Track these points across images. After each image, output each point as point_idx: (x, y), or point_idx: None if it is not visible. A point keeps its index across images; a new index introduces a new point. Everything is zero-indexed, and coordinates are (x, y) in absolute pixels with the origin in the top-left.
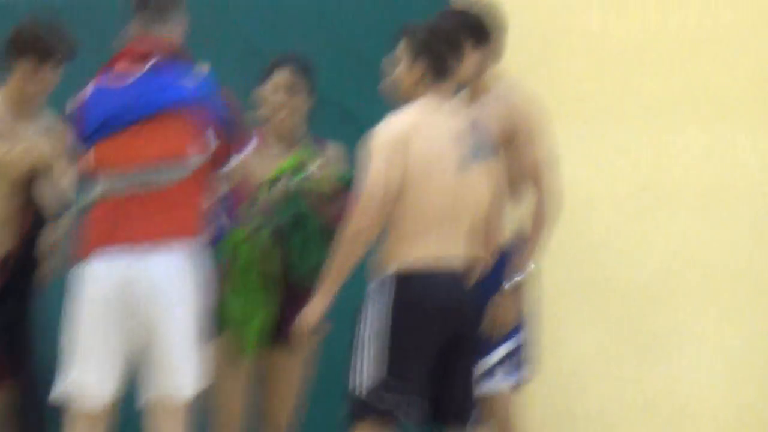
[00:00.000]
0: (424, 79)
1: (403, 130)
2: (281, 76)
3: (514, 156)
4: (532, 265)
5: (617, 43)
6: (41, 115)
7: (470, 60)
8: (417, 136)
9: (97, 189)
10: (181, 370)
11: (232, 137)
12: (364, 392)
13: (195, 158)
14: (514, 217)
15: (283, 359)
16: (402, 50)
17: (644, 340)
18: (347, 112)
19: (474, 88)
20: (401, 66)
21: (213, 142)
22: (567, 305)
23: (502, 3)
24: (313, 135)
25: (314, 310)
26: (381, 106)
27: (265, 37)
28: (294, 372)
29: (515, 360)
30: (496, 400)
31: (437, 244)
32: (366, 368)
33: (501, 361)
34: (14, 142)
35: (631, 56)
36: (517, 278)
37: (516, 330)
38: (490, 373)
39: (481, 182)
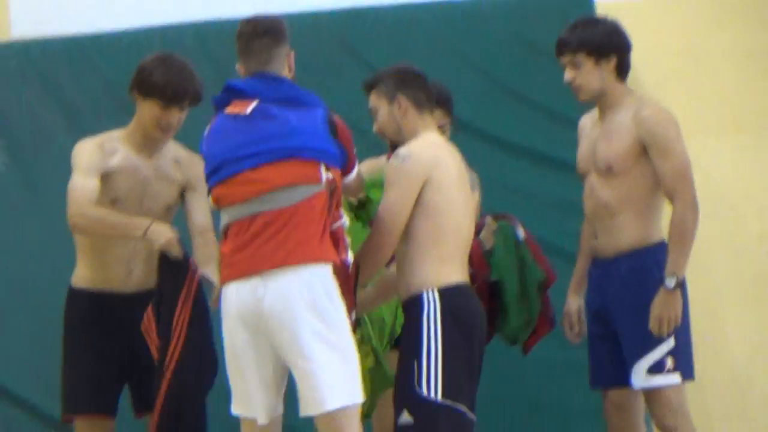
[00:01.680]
0: (407, 114)
1: (423, 161)
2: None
3: (653, 166)
4: (683, 269)
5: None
6: (167, 147)
7: (593, 76)
8: (439, 165)
9: (224, 219)
10: (320, 385)
11: (343, 166)
12: (438, 397)
13: (309, 187)
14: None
15: None
16: (375, 99)
17: None
18: (484, 134)
19: (603, 103)
20: (382, 112)
21: (325, 175)
22: (732, 301)
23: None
24: None
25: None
26: (511, 126)
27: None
28: None
29: (681, 353)
30: (665, 396)
31: (463, 265)
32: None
33: (666, 356)
34: (139, 181)
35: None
36: (674, 279)
37: (678, 327)
38: (659, 367)
39: (475, 208)
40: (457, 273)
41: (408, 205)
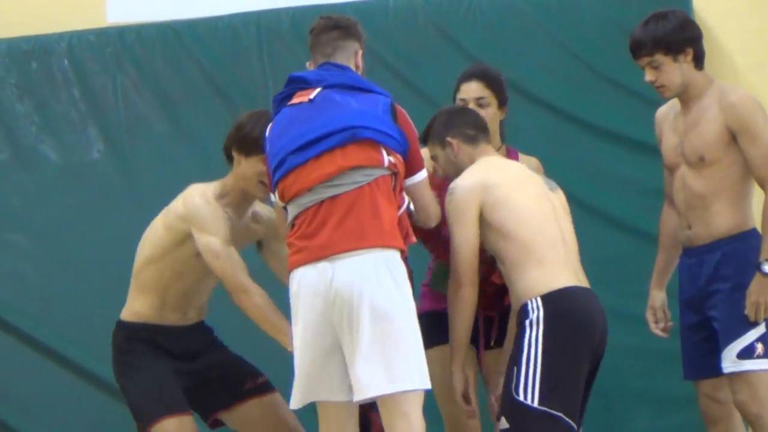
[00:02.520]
0: (460, 152)
1: (467, 190)
2: (467, 90)
3: (742, 152)
4: None
5: None
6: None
7: (674, 74)
8: (488, 185)
9: (291, 212)
10: (396, 363)
11: (404, 154)
12: (536, 404)
13: (372, 170)
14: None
15: None
16: (432, 149)
17: None
18: (578, 120)
19: (686, 95)
20: (440, 158)
21: (387, 158)
22: None
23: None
24: (507, 147)
25: (457, 376)
26: (606, 112)
27: (486, 51)
28: None
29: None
30: (753, 379)
31: (566, 266)
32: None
33: (757, 342)
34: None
35: None
36: (766, 266)
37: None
38: (749, 351)
39: (565, 211)
40: (559, 278)
41: (472, 232)
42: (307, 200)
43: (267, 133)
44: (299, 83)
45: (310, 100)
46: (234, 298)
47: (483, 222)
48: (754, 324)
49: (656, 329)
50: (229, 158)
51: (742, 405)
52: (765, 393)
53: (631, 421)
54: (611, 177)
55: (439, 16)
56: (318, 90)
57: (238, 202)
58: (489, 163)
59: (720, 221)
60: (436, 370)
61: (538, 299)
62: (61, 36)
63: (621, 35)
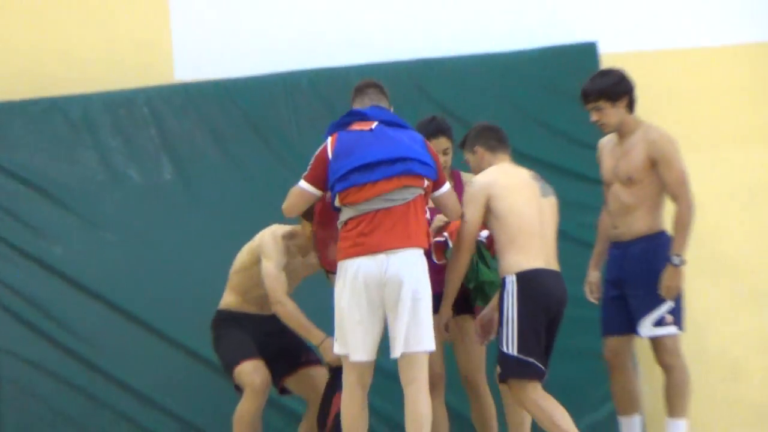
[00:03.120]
0: (484, 158)
1: (481, 185)
2: (436, 143)
3: (660, 176)
4: (684, 252)
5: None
6: None
7: (612, 115)
8: (496, 184)
9: (347, 213)
10: (422, 331)
11: (436, 177)
12: (514, 353)
13: (416, 189)
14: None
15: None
16: (466, 154)
17: (752, 296)
18: (522, 155)
19: (620, 132)
20: (471, 162)
21: (426, 183)
22: (697, 275)
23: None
24: (452, 170)
25: (445, 312)
26: (542, 148)
27: (453, 102)
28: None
29: (678, 311)
30: (667, 342)
31: (538, 253)
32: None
33: (667, 314)
34: (297, 271)
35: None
36: (679, 258)
37: (677, 295)
38: (661, 321)
39: (552, 211)
40: (531, 261)
41: (477, 215)
42: (367, 207)
43: (328, 148)
44: (359, 116)
45: (371, 130)
46: (273, 308)
47: (488, 209)
48: (665, 301)
49: (591, 298)
50: (304, 217)
51: (660, 358)
52: (674, 349)
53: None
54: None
55: (418, 76)
56: (375, 123)
57: (303, 244)
58: (502, 168)
59: (640, 224)
60: None
61: (514, 276)
62: (142, 90)
63: (549, 89)
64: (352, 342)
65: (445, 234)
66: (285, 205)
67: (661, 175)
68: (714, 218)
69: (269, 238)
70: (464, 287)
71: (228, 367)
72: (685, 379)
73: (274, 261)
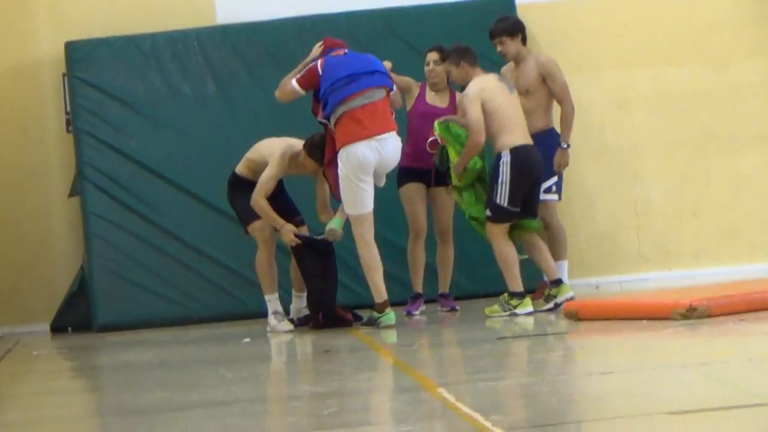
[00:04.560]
0: (468, 70)
1: (476, 92)
2: (430, 56)
3: (548, 87)
4: (569, 138)
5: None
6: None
7: (511, 47)
8: (485, 89)
9: (342, 108)
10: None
11: (392, 85)
12: (505, 204)
13: (383, 91)
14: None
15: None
16: (448, 66)
17: (622, 179)
18: None
19: (517, 59)
20: (453, 73)
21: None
22: (583, 160)
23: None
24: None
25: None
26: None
27: (416, 40)
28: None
29: (560, 185)
30: (550, 205)
31: (520, 133)
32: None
33: (553, 185)
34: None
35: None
36: (566, 143)
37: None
38: (549, 190)
39: (516, 102)
40: (517, 139)
41: (480, 113)
42: (357, 103)
43: (320, 67)
44: (334, 49)
45: (345, 54)
46: (252, 197)
47: (482, 107)
48: (553, 176)
49: None
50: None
51: (543, 218)
52: (554, 210)
53: None
54: None
55: (389, 19)
56: (346, 50)
57: (301, 164)
58: (483, 78)
59: (537, 123)
60: (405, 197)
61: (508, 151)
62: (192, 30)
63: (483, 29)
64: (361, 200)
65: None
66: (277, 94)
67: (549, 87)
68: (598, 119)
69: (279, 156)
70: (437, 169)
71: (243, 222)
72: (563, 233)
73: (273, 172)
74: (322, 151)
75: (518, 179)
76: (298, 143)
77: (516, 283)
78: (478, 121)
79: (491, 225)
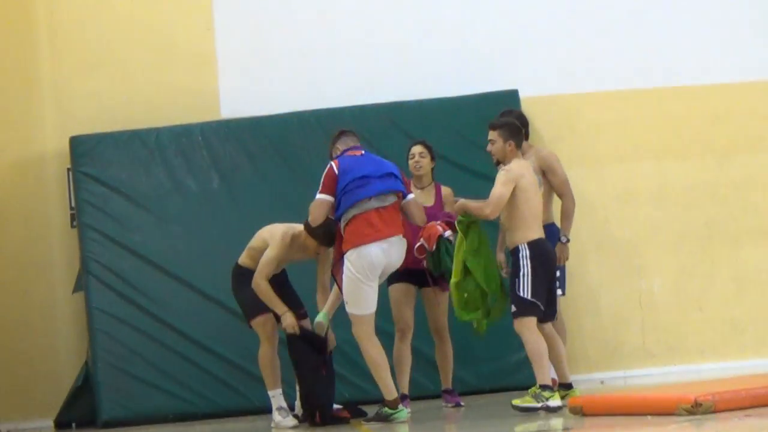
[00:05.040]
0: (514, 151)
1: (515, 175)
2: (414, 149)
3: (549, 181)
4: (569, 233)
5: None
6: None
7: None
8: (522, 176)
9: (355, 211)
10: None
11: (405, 191)
12: (529, 296)
13: (395, 197)
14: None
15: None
16: (496, 136)
17: (626, 273)
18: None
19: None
20: (497, 145)
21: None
22: (586, 254)
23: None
24: (435, 183)
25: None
26: (480, 161)
27: (419, 134)
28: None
29: (563, 280)
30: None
31: (538, 228)
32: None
33: (557, 279)
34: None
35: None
36: (566, 238)
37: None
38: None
39: (539, 198)
40: (535, 233)
41: (507, 194)
42: (368, 206)
43: (336, 168)
44: (351, 149)
45: (362, 155)
46: (254, 280)
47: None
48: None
49: (503, 273)
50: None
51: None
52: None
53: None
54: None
55: (393, 114)
56: (363, 151)
57: (303, 246)
58: (524, 165)
59: None
60: (393, 296)
61: (526, 244)
62: (197, 124)
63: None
64: (366, 301)
65: (422, 240)
66: (311, 218)
67: (550, 180)
68: (603, 213)
69: (280, 237)
70: (431, 273)
71: (246, 316)
72: (563, 331)
73: (275, 253)
74: (323, 231)
75: (539, 271)
76: (299, 226)
77: (546, 376)
78: (501, 199)
79: (519, 320)
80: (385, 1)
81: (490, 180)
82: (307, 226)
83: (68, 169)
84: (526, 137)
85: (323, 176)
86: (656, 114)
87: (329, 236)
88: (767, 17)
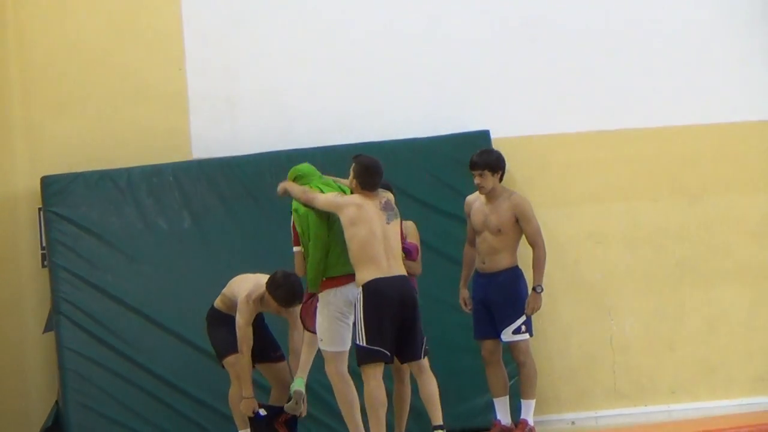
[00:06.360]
0: (497, 180)
1: (352, 211)
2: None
3: (521, 228)
4: (541, 282)
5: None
6: None
7: (490, 182)
8: (358, 213)
9: None
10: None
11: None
12: (365, 345)
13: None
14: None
15: None
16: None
17: (597, 313)
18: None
19: (491, 194)
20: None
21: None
22: (557, 294)
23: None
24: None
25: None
26: (450, 201)
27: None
28: None
29: (529, 323)
30: (521, 345)
31: (376, 266)
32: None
33: (522, 325)
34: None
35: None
36: (540, 287)
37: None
38: (518, 331)
39: (396, 231)
40: (374, 273)
41: (333, 203)
42: None
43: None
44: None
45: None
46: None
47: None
48: (520, 316)
49: (465, 309)
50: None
51: (516, 357)
52: (526, 350)
53: (444, 359)
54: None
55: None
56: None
57: (269, 305)
58: (364, 199)
59: (504, 261)
60: None
61: (361, 287)
62: (168, 165)
63: (459, 164)
64: (341, 338)
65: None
66: (296, 270)
67: (523, 228)
68: (574, 254)
69: (243, 301)
70: None
71: (218, 355)
72: (534, 371)
73: (243, 320)
74: (284, 291)
75: (373, 314)
76: (265, 281)
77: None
78: (328, 201)
79: (361, 368)
80: (356, 43)
81: (461, 220)
82: (269, 286)
83: (39, 209)
84: (501, 179)
85: (291, 228)
86: (627, 155)
87: (290, 296)
88: (736, 61)
